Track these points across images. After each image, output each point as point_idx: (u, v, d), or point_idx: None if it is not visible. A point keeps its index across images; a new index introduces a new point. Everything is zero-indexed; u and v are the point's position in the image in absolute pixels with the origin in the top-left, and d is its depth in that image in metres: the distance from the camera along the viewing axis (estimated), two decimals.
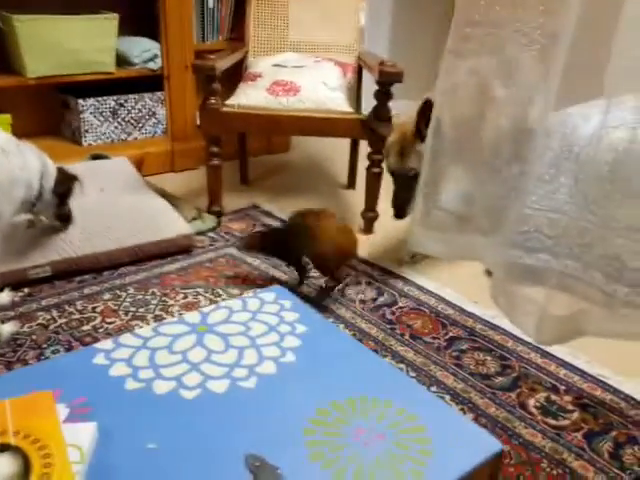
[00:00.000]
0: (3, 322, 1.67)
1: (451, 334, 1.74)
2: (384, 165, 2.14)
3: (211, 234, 2.33)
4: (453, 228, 1.68)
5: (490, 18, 1.22)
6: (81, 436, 0.61)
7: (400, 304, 1.88)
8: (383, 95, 2.16)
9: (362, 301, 1.88)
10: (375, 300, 1.89)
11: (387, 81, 2.11)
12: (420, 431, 0.67)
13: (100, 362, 0.75)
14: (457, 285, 1.97)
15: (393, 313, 1.83)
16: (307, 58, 2.58)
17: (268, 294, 0.92)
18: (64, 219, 1.90)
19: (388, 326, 1.76)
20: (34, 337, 1.64)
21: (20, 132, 2.49)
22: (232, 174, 2.80)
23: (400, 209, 1.98)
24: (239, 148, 2.84)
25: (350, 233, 1.88)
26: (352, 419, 0.67)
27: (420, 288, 1.97)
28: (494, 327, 1.78)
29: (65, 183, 1.82)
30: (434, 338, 1.72)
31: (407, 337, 1.71)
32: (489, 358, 1.65)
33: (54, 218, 1.87)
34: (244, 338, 0.81)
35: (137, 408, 0.68)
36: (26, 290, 1.86)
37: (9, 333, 1.65)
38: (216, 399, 0.70)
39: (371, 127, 2.19)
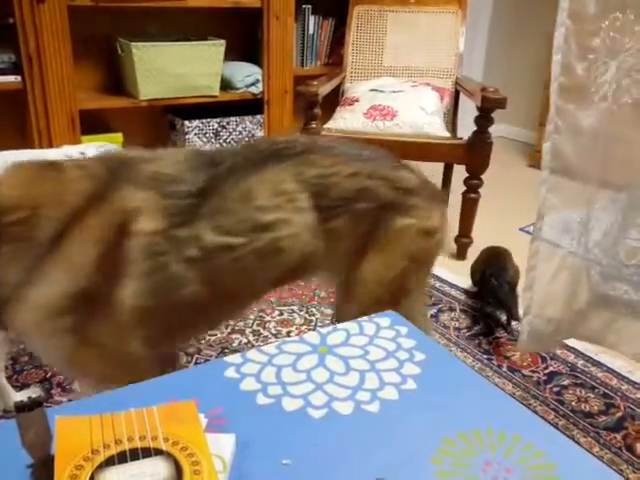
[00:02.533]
0: None
1: (551, 368, 1.68)
2: None
3: None
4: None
5: (607, 45, 1.20)
6: (222, 446, 0.65)
7: (497, 334, 1.84)
8: (484, 121, 2.14)
9: (457, 329, 1.86)
10: (470, 329, 1.87)
11: (490, 107, 2.10)
12: (549, 469, 0.66)
13: (231, 375, 0.79)
14: None
15: (489, 343, 1.79)
16: (404, 83, 2.61)
17: (383, 319, 0.93)
18: None
19: (484, 356, 1.73)
20: None
21: None
22: None
23: None
24: None
25: None
26: (479, 451, 0.67)
27: (517, 319, 1.92)
28: (597, 364, 1.71)
29: None
30: (533, 372, 1.67)
31: (505, 369, 1.67)
32: (592, 395, 1.59)
33: None
34: (364, 362, 0.82)
35: (268, 423, 0.71)
36: None
37: None
38: (342, 420, 0.72)
39: (470, 152, 2.18)
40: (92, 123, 2.62)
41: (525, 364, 1.70)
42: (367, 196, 1.12)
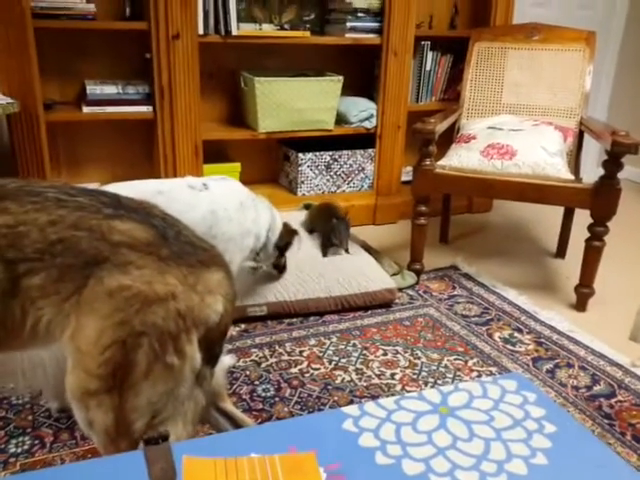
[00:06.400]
0: (222, 355, 1.83)
1: None
2: None
3: (409, 291, 2.34)
4: None
5: None
6: None
7: (619, 397, 1.69)
8: (613, 166, 2.01)
9: (575, 387, 1.73)
10: (590, 388, 1.73)
11: (620, 152, 1.97)
12: None
13: (349, 428, 0.77)
14: None
15: (611, 407, 1.65)
16: (525, 121, 2.52)
17: (509, 382, 0.88)
18: (280, 269, 2.06)
19: (605, 421, 1.59)
20: (248, 372, 1.77)
21: (245, 179, 2.79)
22: (431, 231, 2.80)
23: None
24: (442, 206, 2.84)
25: None
26: None
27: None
28: None
29: (287, 238, 1.97)
30: None
31: (629, 437, 1.53)
32: None
33: (272, 267, 2.02)
34: (488, 429, 0.78)
35: None
36: (242, 326, 2.02)
37: (228, 365, 1.80)
38: None
39: (596, 198, 2.05)
40: (213, 152, 2.76)
41: None
42: (67, 249, 0.94)
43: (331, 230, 2.30)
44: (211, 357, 1.07)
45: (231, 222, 1.73)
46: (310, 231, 2.44)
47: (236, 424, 1.25)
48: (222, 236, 1.70)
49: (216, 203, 1.73)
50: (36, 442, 1.44)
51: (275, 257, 1.98)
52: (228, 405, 1.27)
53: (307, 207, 2.79)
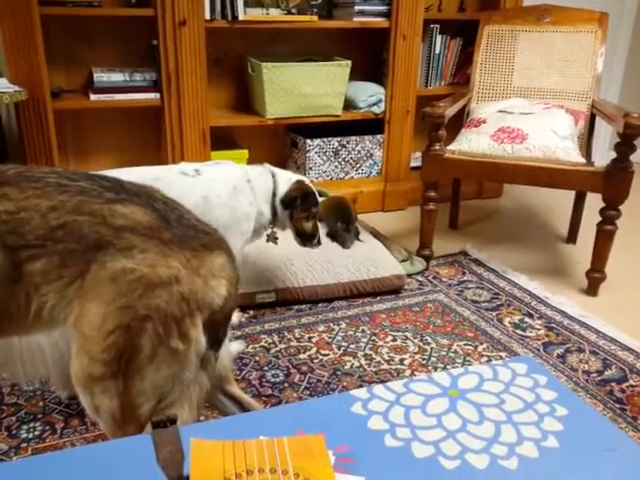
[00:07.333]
0: (231, 340, 1.83)
1: None
2: None
3: (419, 277, 2.32)
4: None
5: None
6: None
7: (631, 381, 1.68)
8: (625, 148, 1.98)
9: (586, 372, 1.72)
10: (601, 373, 1.72)
11: (633, 134, 1.94)
12: None
13: (358, 411, 0.77)
14: None
15: (622, 391, 1.64)
16: (535, 104, 2.48)
17: (519, 365, 0.87)
18: (305, 237, 1.90)
19: (617, 405, 1.58)
20: (257, 358, 1.77)
21: None
22: (441, 217, 2.78)
23: None
24: (452, 192, 2.82)
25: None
26: None
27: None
28: None
29: (293, 193, 1.83)
30: None
31: None
32: None
33: (295, 234, 1.90)
34: (499, 412, 0.77)
35: (398, 468, 0.67)
36: (251, 312, 2.02)
37: (237, 351, 1.81)
38: (477, 475, 0.67)
39: (608, 182, 2.02)
40: (220, 139, 2.75)
41: None
42: (69, 234, 0.93)
43: (335, 232, 2.29)
44: (215, 340, 1.07)
45: (225, 207, 1.70)
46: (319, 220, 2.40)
47: (243, 408, 1.25)
48: (216, 222, 1.67)
49: (209, 189, 1.70)
50: (47, 428, 1.45)
51: (289, 218, 1.85)
52: (235, 389, 1.27)
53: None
